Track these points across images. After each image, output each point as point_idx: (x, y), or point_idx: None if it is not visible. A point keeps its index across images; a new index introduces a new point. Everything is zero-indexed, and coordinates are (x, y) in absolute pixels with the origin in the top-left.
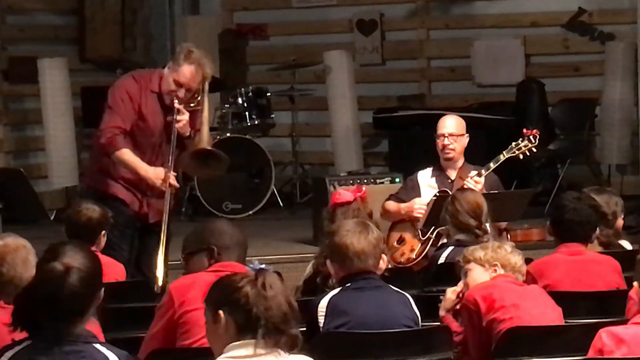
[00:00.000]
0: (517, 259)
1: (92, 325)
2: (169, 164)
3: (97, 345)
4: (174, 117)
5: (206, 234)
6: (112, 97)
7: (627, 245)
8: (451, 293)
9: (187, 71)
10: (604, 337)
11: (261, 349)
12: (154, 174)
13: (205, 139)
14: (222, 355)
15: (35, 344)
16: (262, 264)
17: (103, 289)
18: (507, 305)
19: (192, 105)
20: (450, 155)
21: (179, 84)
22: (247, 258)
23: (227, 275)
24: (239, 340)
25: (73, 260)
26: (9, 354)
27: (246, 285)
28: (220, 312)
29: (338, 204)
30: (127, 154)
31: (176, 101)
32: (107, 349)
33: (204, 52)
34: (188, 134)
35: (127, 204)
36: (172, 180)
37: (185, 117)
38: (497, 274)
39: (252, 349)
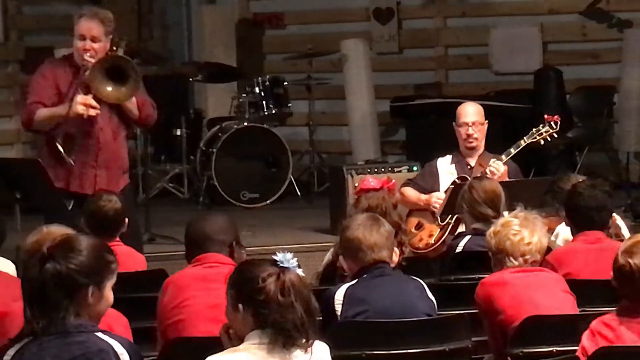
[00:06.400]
0: (516, 246)
1: (116, 317)
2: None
3: (100, 334)
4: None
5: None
6: (29, 86)
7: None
8: None
9: (82, 22)
10: None
11: (272, 345)
12: (72, 105)
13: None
14: (245, 342)
15: (36, 339)
16: (290, 255)
17: (100, 283)
18: (514, 304)
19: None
20: (474, 145)
21: (82, 37)
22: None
23: (253, 265)
24: (258, 329)
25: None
26: (11, 351)
27: (267, 286)
28: (240, 305)
29: (364, 189)
30: (41, 111)
31: (87, 54)
32: (110, 337)
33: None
34: None
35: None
36: (89, 100)
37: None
38: (501, 265)
39: (265, 338)
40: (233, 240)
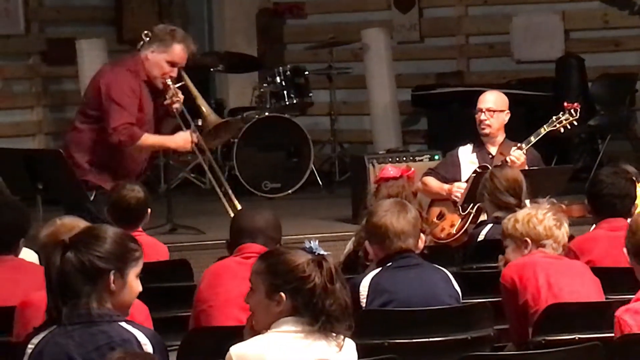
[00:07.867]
0: (549, 230)
1: (137, 306)
2: (192, 127)
3: (123, 324)
4: (170, 98)
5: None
6: (117, 92)
7: None
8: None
9: (179, 50)
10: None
11: (314, 332)
12: (182, 140)
13: (209, 111)
14: (274, 330)
15: (60, 328)
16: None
17: (123, 269)
18: (541, 285)
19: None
20: (486, 131)
21: (173, 64)
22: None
23: (289, 253)
24: (291, 316)
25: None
26: (35, 340)
27: (313, 274)
28: (282, 294)
29: (384, 178)
30: (150, 137)
31: (169, 81)
32: (134, 327)
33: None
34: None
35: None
36: (197, 139)
37: (180, 95)
38: (529, 250)
39: (301, 326)
40: (280, 238)
